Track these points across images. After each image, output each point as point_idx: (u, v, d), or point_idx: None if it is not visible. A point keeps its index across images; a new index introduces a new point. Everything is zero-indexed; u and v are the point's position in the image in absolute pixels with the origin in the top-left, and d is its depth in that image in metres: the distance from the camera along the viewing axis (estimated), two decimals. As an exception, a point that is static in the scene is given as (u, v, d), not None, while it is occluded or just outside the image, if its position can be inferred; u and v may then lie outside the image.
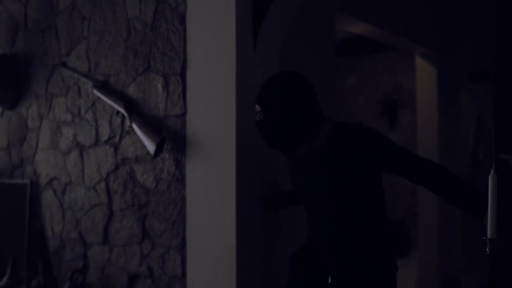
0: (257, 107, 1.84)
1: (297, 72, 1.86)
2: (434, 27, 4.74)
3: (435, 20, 4.76)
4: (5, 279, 3.20)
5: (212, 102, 2.51)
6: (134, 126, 2.75)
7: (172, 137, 2.67)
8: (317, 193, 1.91)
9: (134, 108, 2.83)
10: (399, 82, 6.65)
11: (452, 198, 1.82)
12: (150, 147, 2.65)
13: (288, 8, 2.55)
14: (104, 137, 3.03)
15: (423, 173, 1.81)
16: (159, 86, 2.74)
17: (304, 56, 3.17)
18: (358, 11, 3.88)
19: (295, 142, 1.84)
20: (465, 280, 4.38)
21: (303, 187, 1.98)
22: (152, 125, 2.73)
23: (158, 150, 2.65)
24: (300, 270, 2.04)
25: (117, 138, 2.96)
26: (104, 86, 2.99)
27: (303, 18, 2.97)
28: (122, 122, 2.93)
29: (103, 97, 2.94)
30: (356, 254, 1.87)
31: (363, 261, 1.87)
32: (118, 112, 2.89)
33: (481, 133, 4.40)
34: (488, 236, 1.62)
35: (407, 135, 6.53)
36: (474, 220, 1.94)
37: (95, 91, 2.99)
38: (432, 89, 4.82)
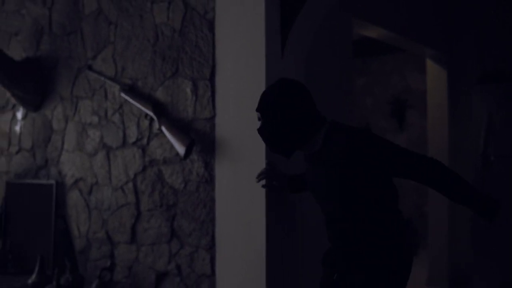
0: (258, 114, 1.94)
1: (292, 79, 1.96)
2: (444, 30, 4.84)
3: (444, 24, 4.86)
4: (33, 277, 3.29)
5: (241, 106, 2.60)
6: (163, 128, 2.83)
7: (201, 140, 2.76)
8: (319, 194, 1.99)
9: (162, 111, 2.92)
10: (408, 83, 6.75)
11: (460, 199, 1.86)
12: (180, 149, 2.74)
13: (315, 14, 2.64)
14: (131, 139, 3.11)
15: (429, 174, 1.83)
16: (188, 90, 2.82)
17: (325, 59, 3.27)
18: (371, 15, 3.98)
19: (295, 146, 1.91)
20: (476, 278, 4.47)
21: (310, 187, 2.06)
22: (181, 128, 2.81)
23: (188, 152, 2.74)
24: (323, 270, 2.11)
25: (145, 140, 3.04)
26: (132, 90, 3.08)
27: (324, 23, 3.05)
28: (150, 125, 3.01)
29: (131, 100, 3.02)
30: (358, 254, 1.89)
31: (364, 261, 1.88)
32: (146, 115, 2.98)
33: (491, 134, 4.49)
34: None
35: (416, 135, 6.63)
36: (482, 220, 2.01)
37: (123, 94, 3.07)
38: (442, 90, 4.92)
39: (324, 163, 1.86)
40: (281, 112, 1.84)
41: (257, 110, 1.93)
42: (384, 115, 6.88)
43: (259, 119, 1.93)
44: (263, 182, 2.41)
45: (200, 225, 2.78)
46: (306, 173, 2.09)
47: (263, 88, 2.50)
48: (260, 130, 1.94)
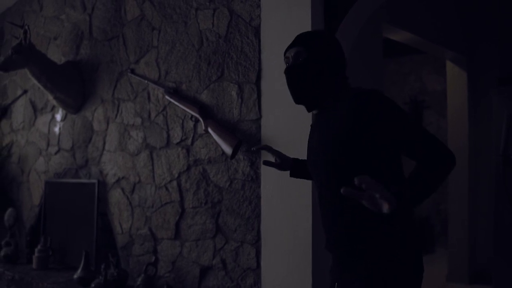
0: (294, 50, 1.72)
1: None
2: (465, 32, 4.98)
3: (465, 26, 5.00)
4: (78, 272, 3.43)
5: (287, 108, 2.73)
6: (210, 130, 2.98)
7: (247, 140, 2.90)
8: (317, 155, 1.72)
9: (208, 113, 3.06)
10: (424, 84, 6.89)
11: (417, 185, 1.52)
12: (227, 149, 2.88)
13: (357, 22, 2.78)
14: (176, 140, 3.26)
15: (429, 162, 1.52)
16: (234, 93, 2.96)
17: (360, 62, 3.42)
18: (397, 19, 4.12)
19: (323, 95, 1.70)
20: (496, 274, 4.59)
21: (308, 153, 1.81)
22: (227, 129, 2.95)
23: (235, 152, 2.88)
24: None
25: (189, 141, 3.19)
26: (177, 93, 3.22)
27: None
28: (195, 126, 3.16)
29: (176, 103, 3.16)
30: (358, 253, 1.59)
31: (363, 263, 1.57)
32: (191, 116, 3.12)
33: (511, 134, 4.62)
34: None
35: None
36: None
37: (168, 97, 3.21)
38: (462, 91, 5.05)
39: (331, 122, 1.64)
40: (328, 53, 1.69)
41: (299, 44, 1.72)
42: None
43: (293, 57, 1.71)
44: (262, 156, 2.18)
45: (246, 221, 2.91)
46: (310, 137, 1.83)
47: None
48: (295, 68, 1.70)
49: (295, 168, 2.09)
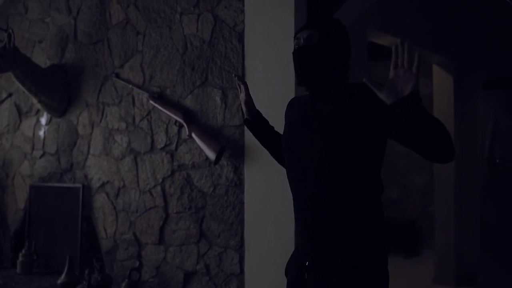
0: (307, 32, 1.74)
1: None
2: (451, 37, 5.00)
3: (452, 31, 5.03)
4: (62, 277, 3.41)
5: (271, 113, 2.72)
6: (194, 135, 2.97)
7: (231, 146, 2.90)
8: (300, 147, 1.74)
9: (192, 118, 3.06)
10: (412, 87, 6.90)
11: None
12: (211, 155, 2.88)
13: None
14: (160, 145, 3.25)
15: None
16: (217, 99, 2.96)
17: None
18: (382, 23, 4.13)
19: (325, 79, 1.74)
20: (482, 276, 4.62)
21: (290, 138, 1.83)
22: (211, 135, 2.95)
23: (218, 158, 2.88)
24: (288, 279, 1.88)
25: (173, 146, 3.18)
26: (161, 97, 3.21)
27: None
28: (179, 131, 3.15)
29: (160, 108, 3.15)
30: (333, 237, 1.65)
31: (340, 249, 1.64)
32: (175, 121, 3.11)
33: (496, 138, 4.65)
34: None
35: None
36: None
37: (152, 102, 3.20)
38: (448, 95, 5.08)
39: (330, 104, 1.70)
40: (339, 40, 1.76)
41: (312, 28, 1.75)
42: (389, 118, 7.01)
43: (304, 39, 1.74)
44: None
45: (229, 227, 2.91)
46: (294, 122, 1.85)
47: (292, 96, 2.64)
48: (305, 50, 1.73)
49: (255, 119, 2.11)
